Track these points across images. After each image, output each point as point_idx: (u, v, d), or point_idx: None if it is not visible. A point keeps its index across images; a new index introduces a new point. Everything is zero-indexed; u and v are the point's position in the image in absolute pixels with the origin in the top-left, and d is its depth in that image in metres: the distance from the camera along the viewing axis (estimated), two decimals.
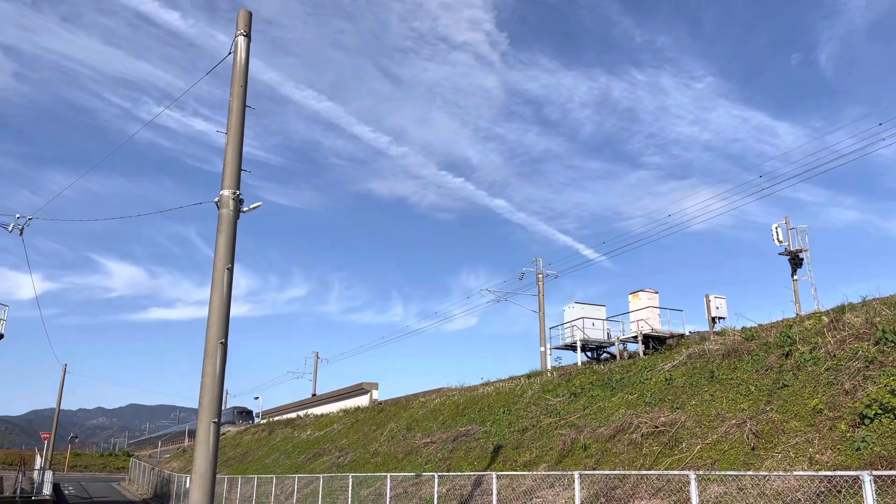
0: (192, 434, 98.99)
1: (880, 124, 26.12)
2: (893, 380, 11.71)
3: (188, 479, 34.92)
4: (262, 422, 66.68)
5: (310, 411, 56.80)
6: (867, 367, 12.92)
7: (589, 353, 29.03)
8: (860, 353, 13.49)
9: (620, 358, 26.12)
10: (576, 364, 27.88)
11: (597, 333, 28.73)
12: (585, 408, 19.75)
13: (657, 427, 15.67)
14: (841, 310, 17.87)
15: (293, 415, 58.87)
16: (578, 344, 28.16)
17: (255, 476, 30.21)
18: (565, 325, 29.26)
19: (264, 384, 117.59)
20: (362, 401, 50.28)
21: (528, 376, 28.93)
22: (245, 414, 76.41)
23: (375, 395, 51.01)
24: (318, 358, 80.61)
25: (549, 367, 31.14)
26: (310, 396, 67.83)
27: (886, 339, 13.32)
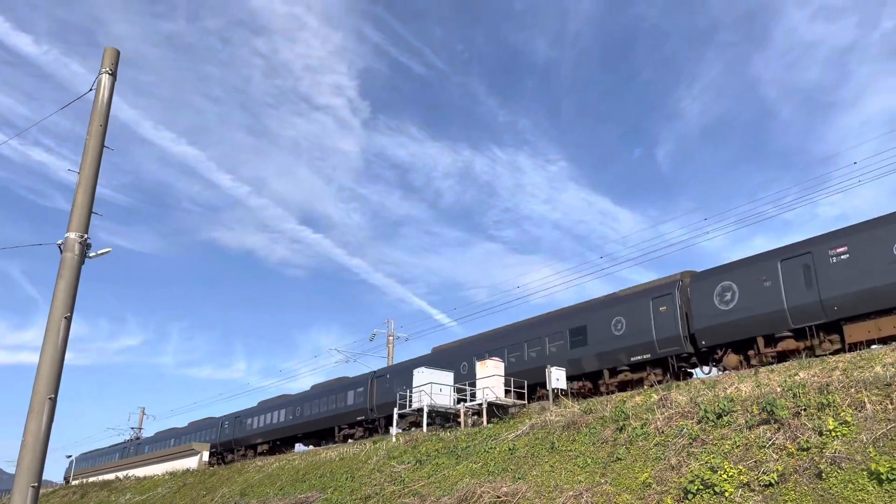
0: None
1: (705, 219, 29.20)
2: (713, 457, 12.81)
3: None
4: (73, 483, 60.33)
5: (131, 472, 52.33)
6: (691, 443, 14.04)
7: (436, 419, 29.18)
8: (685, 430, 14.66)
9: (466, 426, 26.49)
10: (422, 430, 27.91)
11: (444, 399, 28.98)
12: (430, 476, 19.75)
13: (499, 497, 15.97)
14: (668, 387, 19.39)
15: (111, 476, 53.93)
16: (426, 409, 28.26)
17: None
18: (413, 390, 29.30)
19: (80, 440, 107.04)
20: (192, 462, 47.11)
21: (375, 441, 28.55)
22: None
23: (206, 456, 48.05)
24: (143, 414, 74.81)
25: (395, 433, 30.92)
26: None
27: (707, 418, 14.60)
